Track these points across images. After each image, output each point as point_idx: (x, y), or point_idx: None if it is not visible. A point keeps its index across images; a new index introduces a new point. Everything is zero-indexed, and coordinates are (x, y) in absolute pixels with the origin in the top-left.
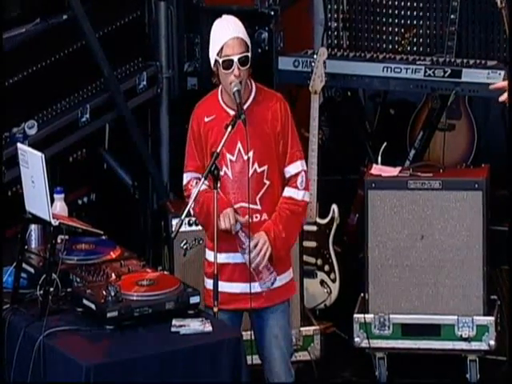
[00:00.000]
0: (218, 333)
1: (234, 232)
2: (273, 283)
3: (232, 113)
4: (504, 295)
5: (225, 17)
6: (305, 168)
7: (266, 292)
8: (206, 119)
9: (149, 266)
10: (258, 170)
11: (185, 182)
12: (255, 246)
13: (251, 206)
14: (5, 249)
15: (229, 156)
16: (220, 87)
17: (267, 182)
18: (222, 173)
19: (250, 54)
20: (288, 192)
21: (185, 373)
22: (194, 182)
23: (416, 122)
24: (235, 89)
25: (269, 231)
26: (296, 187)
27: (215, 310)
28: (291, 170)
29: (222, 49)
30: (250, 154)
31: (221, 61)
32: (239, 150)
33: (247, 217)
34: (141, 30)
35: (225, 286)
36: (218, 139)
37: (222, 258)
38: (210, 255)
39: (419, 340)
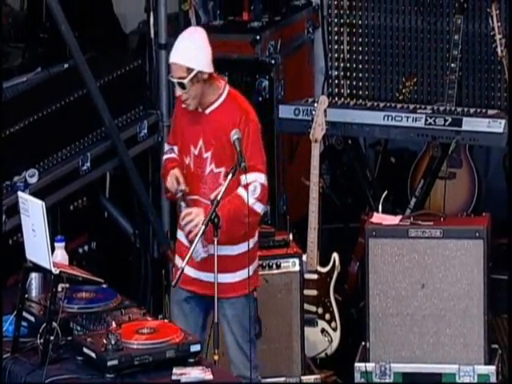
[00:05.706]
0: (218, 381)
1: (177, 195)
2: (203, 257)
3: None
4: (505, 344)
5: (184, 33)
6: (261, 181)
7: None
8: (183, 105)
9: (149, 314)
10: (215, 171)
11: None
12: (189, 213)
13: (206, 201)
14: (5, 297)
15: (192, 149)
16: None
17: (223, 183)
18: (187, 162)
19: (195, 73)
20: (239, 191)
21: None
22: (166, 156)
23: (417, 170)
24: (235, 137)
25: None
26: (247, 191)
27: (216, 358)
28: (247, 178)
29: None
30: (208, 154)
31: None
32: (200, 147)
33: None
34: (141, 78)
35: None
36: (184, 127)
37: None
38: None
39: None
